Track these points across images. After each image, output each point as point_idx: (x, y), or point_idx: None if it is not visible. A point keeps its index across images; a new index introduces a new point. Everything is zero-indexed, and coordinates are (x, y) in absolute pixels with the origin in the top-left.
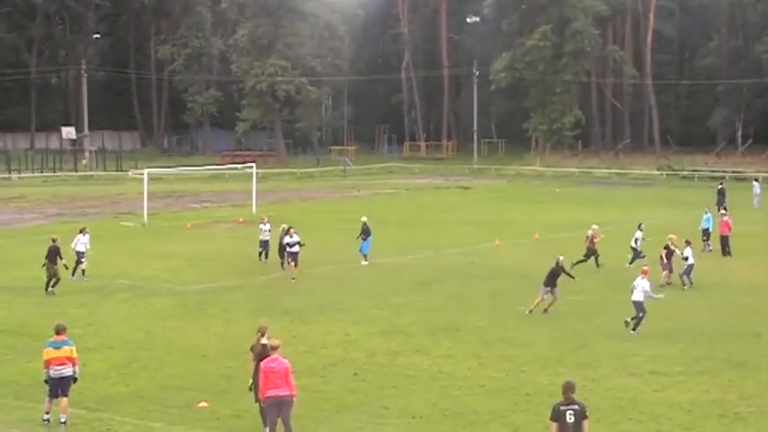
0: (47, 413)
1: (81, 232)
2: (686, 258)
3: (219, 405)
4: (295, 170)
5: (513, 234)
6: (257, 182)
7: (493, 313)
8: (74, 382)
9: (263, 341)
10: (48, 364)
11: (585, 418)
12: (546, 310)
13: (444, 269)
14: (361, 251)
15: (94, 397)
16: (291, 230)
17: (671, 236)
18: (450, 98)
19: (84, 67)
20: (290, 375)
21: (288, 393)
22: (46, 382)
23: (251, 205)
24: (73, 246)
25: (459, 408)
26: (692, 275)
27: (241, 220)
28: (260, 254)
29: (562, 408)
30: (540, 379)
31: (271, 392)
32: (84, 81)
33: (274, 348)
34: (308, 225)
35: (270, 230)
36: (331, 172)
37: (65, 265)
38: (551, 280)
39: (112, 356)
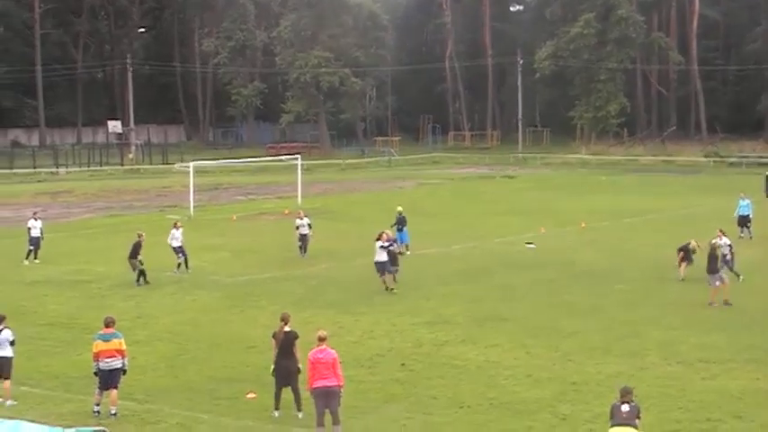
0: (97, 405)
1: (174, 227)
2: (729, 247)
3: (267, 396)
4: (339, 161)
5: (559, 223)
6: (302, 173)
7: (539, 302)
8: (123, 374)
9: (286, 329)
10: (97, 356)
11: (638, 417)
12: (726, 302)
13: (490, 259)
14: (401, 242)
15: (143, 389)
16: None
17: (692, 242)
18: (495, 87)
19: (129, 61)
20: (338, 366)
21: (335, 384)
22: (95, 374)
23: (296, 197)
24: (169, 241)
25: (507, 397)
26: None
27: (287, 211)
28: (300, 248)
29: (617, 403)
30: (588, 368)
31: (319, 383)
32: (130, 75)
33: (322, 339)
34: (352, 216)
35: (310, 224)
36: (376, 163)
37: (140, 261)
38: (713, 265)
39: (161, 349)
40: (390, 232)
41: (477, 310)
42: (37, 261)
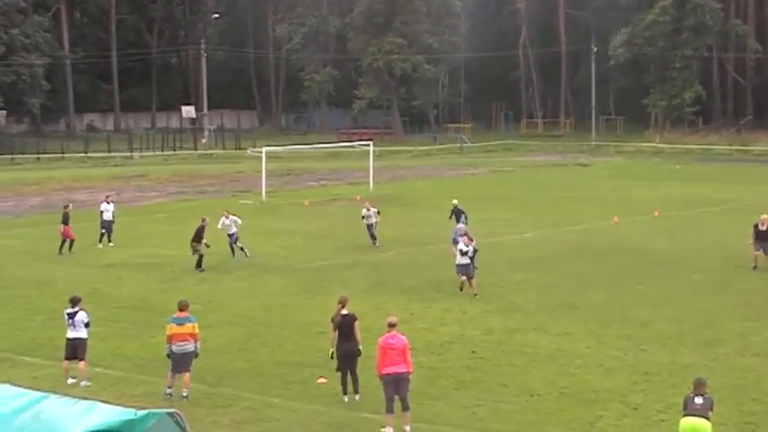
0: (169, 387)
1: (225, 216)
2: None
3: (338, 381)
4: (411, 148)
5: (633, 211)
6: (374, 160)
7: (611, 291)
8: (195, 357)
9: (344, 312)
10: (170, 339)
11: (711, 410)
12: None
13: (562, 246)
14: None
15: (215, 372)
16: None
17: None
18: (568, 74)
19: (203, 47)
20: (408, 352)
21: (405, 370)
22: (168, 356)
23: (368, 183)
24: (219, 227)
25: (578, 386)
26: None
27: (358, 197)
28: (372, 237)
29: (691, 395)
30: (660, 358)
31: (389, 369)
32: (204, 61)
33: (392, 326)
34: (423, 203)
35: (378, 213)
36: (447, 150)
37: (206, 245)
38: None
39: (232, 333)
40: (469, 232)
41: (549, 298)
42: (111, 244)
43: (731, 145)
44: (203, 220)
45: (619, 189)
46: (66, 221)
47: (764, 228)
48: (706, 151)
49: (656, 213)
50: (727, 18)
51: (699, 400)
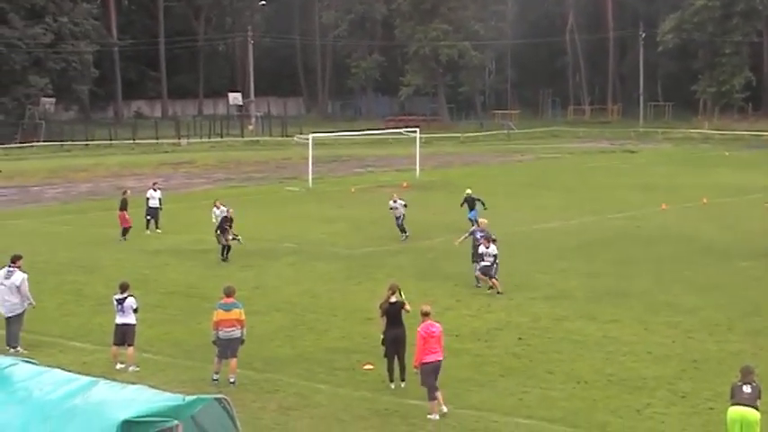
0: (216, 373)
1: (216, 206)
2: None
3: (384, 368)
4: (458, 134)
5: (681, 198)
6: (421, 146)
7: (659, 278)
8: (241, 343)
9: (392, 299)
10: (217, 325)
11: (759, 398)
12: None
13: (609, 234)
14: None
15: (262, 358)
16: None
17: None
18: (616, 60)
19: (250, 34)
20: (442, 339)
21: (442, 358)
22: (215, 343)
23: (414, 170)
24: (214, 220)
25: (625, 374)
26: None
27: (405, 184)
28: (401, 230)
29: (739, 383)
30: (709, 346)
31: (430, 357)
32: (251, 48)
33: (426, 314)
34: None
35: (405, 206)
36: (494, 136)
37: (234, 235)
38: None
39: (279, 319)
40: (488, 231)
41: (596, 285)
42: (159, 231)
43: None
44: (228, 211)
45: (667, 176)
46: (124, 208)
47: None
48: (756, 137)
49: (705, 200)
50: None
51: (747, 389)
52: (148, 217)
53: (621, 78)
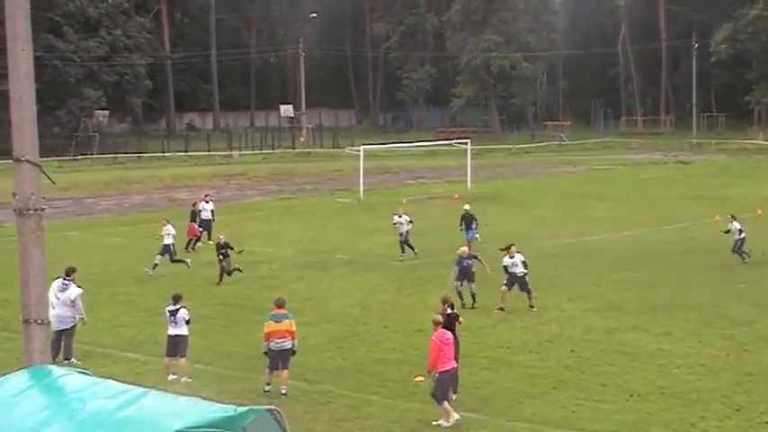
0: (267, 384)
1: (164, 224)
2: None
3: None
4: (510, 146)
5: (735, 210)
6: (472, 158)
7: (713, 290)
8: (293, 354)
9: (448, 311)
10: (268, 336)
11: None
12: None
13: (663, 245)
14: (468, 238)
15: (313, 369)
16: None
17: None
18: (668, 71)
19: (301, 45)
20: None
21: (457, 365)
22: (266, 354)
23: (466, 181)
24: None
25: (679, 386)
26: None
27: (456, 196)
28: (403, 247)
29: None
30: (764, 358)
31: (447, 365)
32: (302, 60)
33: (438, 323)
34: (521, 201)
35: (411, 222)
36: (546, 147)
37: (238, 251)
38: None
39: (330, 330)
40: (466, 249)
41: (649, 297)
42: (211, 243)
43: None
44: (219, 239)
45: (720, 187)
46: (195, 219)
47: None
48: None
49: (759, 212)
50: None
51: None
52: (201, 229)
53: (674, 89)
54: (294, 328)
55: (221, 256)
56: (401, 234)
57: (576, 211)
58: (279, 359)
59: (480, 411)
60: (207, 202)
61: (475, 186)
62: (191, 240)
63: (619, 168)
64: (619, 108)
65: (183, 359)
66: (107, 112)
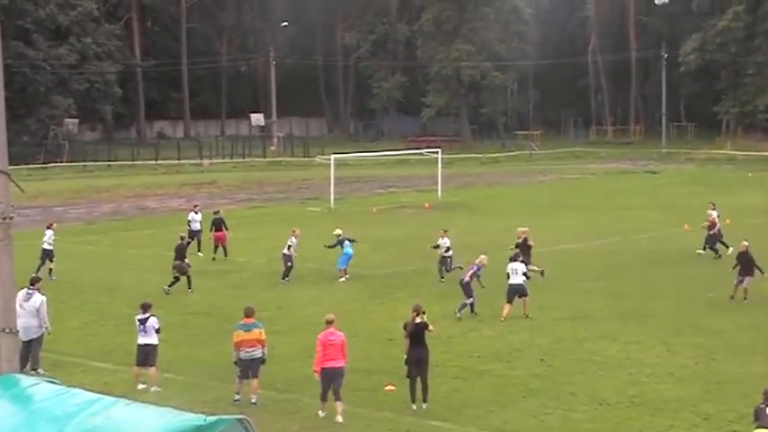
0: (237, 394)
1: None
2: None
3: (406, 389)
4: (480, 155)
5: (704, 219)
6: (443, 167)
7: (682, 299)
8: (262, 363)
9: (417, 320)
10: (238, 345)
11: None
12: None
13: (632, 254)
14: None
15: (284, 379)
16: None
17: None
18: (638, 81)
19: (272, 54)
20: (345, 347)
21: (342, 365)
22: (236, 363)
23: (436, 190)
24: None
25: (648, 395)
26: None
27: (427, 205)
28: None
29: (762, 406)
30: (732, 367)
31: (328, 364)
32: (273, 68)
33: (330, 323)
34: (492, 210)
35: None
36: (516, 157)
37: (188, 264)
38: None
39: (300, 339)
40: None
41: (619, 306)
42: (201, 254)
43: None
44: (182, 239)
45: (689, 196)
46: (218, 228)
47: None
48: None
49: (728, 221)
50: None
51: None
52: (189, 239)
53: (644, 99)
54: (264, 337)
55: (183, 261)
56: (443, 258)
57: (546, 221)
58: (249, 368)
59: (450, 420)
60: (196, 213)
61: (445, 195)
62: (216, 247)
63: (589, 178)
64: (589, 118)
65: (153, 368)
66: (77, 120)
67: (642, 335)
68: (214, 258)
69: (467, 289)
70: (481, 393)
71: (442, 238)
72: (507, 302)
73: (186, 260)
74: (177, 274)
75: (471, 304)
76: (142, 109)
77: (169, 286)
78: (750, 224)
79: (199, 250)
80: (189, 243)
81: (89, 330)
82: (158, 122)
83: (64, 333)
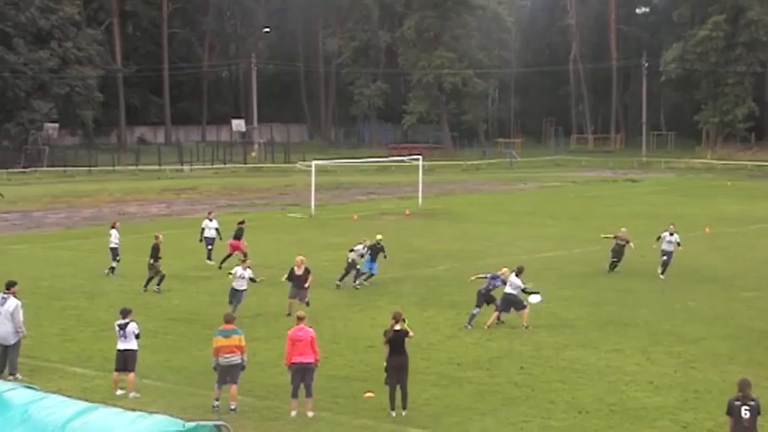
0: (216, 400)
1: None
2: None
3: (386, 396)
4: (461, 162)
5: (683, 228)
6: (423, 174)
7: (661, 308)
8: (242, 369)
9: (396, 327)
10: (217, 351)
11: (759, 414)
12: None
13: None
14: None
15: (263, 385)
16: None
17: None
18: (619, 90)
19: (253, 60)
20: (316, 343)
21: (312, 360)
22: (215, 369)
23: (417, 197)
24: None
25: (627, 403)
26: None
27: (407, 212)
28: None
29: (737, 403)
30: (711, 376)
31: (296, 359)
32: (254, 74)
33: (300, 319)
34: (473, 217)
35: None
36: (497, 164)
37: (159, 265)
38: None
39: (280, 346)
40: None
41: (599, 314)
42: (209, 262)
43: None
44: (156, 238)
45: (669, 205)
46: (239, 237)
47: None
48: (759, 167)
49: (707, 230)
50: None
51: (746, 415)
52: (210, 247)
53: (624, 108)
54: (243, 344)
55: (154, 261)
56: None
57: (526, 229)
58: (228, 374)
59: (429, 428)
60: (210, 220)
61: (426, 203)
62: (229, 255)
63: (569, 186)
64: (570, 126)
65: (132, 374)
66: (57, 125)
67: (622, 343)
68: (221, 267)
69: (489, 299)
70: (461, 401)
71: (362, 244)
72: (500, 311)
73: (160, 259)
74: (152, 275)
75: (474, 315)
76: (123, 114)
77: (145, 285)
78: (729, 233)
79: (208, 258)
80: (211, 249)
81: (68, 336)
82: (139, 128)
83: (43, 338)
